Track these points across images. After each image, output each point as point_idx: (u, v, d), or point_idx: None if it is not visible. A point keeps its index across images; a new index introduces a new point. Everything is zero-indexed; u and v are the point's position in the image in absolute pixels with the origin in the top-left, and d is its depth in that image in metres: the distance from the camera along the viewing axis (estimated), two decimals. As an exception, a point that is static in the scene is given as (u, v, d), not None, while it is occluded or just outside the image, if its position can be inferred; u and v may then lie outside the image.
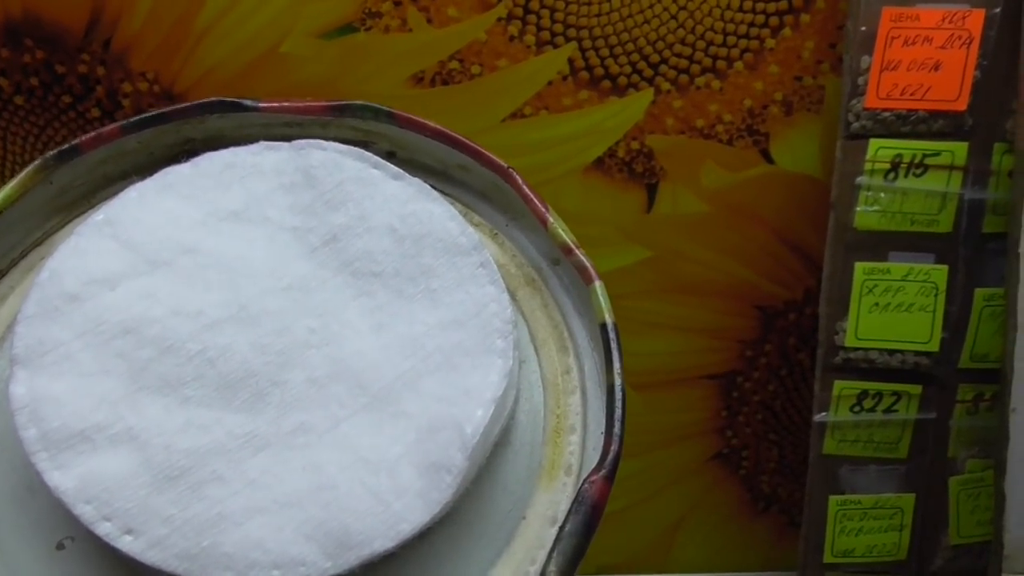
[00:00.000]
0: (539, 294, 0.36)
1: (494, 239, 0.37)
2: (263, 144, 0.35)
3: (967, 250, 0.48)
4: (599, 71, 0.49)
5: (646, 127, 0.50)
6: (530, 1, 0.47)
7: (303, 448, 0.30)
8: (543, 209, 0.35)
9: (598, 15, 0.47)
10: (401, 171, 0.34)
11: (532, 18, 0.47)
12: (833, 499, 0.51)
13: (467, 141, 0.36)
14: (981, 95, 0.46)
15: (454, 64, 0.48)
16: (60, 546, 0.31)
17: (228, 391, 0.31)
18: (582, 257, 0.34)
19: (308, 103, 0.36)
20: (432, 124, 0.36)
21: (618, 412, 0.31)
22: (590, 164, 0.50)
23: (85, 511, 0.29)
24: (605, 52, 0.48)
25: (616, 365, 0.32)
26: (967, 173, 0.47)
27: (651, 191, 0.51)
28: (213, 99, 0.36)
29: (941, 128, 0.47)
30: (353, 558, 0.29)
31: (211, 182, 0.34)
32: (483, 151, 0.36)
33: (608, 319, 0.33)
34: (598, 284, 0.33)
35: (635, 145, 0.50)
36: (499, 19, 0.47)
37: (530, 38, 0.48)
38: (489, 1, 0.47)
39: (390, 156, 0.37)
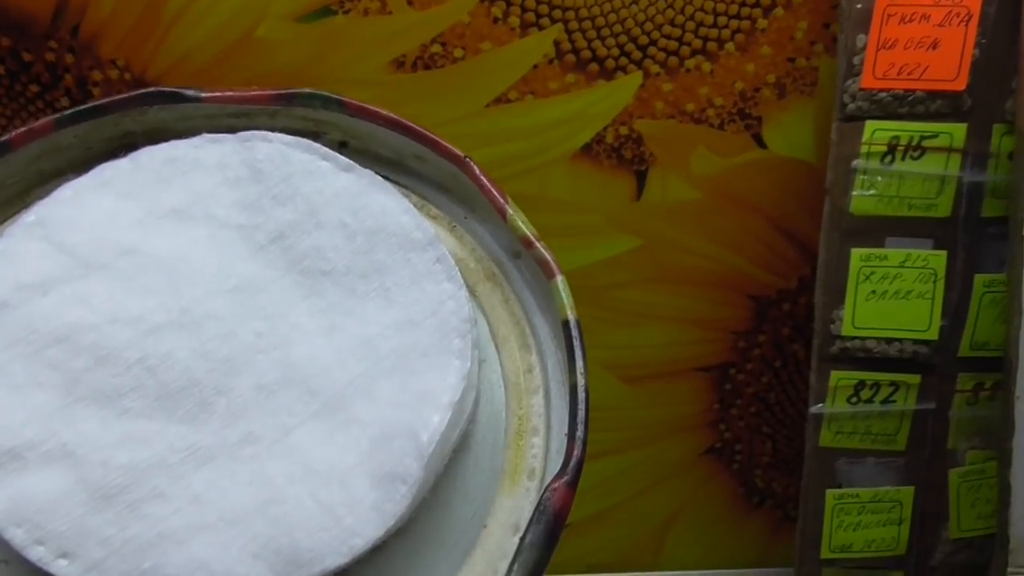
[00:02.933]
0: (500, 289, 0.35)
1: (452, 232, 0.36)
2: (206, 136, 0.34)
3: (966, 235, 0.47)
4: (586, 54, 0.48)
5: (635, 111, 0.49)
6: (514, -19, 0.46)
7: (250, 460, 0.29)
8: (502, 200, 0.34)
9: (584, -5, 0.47)
10: (352, 163, 0.33)
11: (516, -1, 0.47)
12: (830, 493, 0.50)
13: (421, 129, 0.35)
14: (980, 74, 0.46)
15: (436, 48, 0.47)
16: None
17: (169, 401, 0.29)
18: (543, 251, 0.33)
19: (254, 92, 0.35)
20: (384, 112, 0.35)
21: (581, 414, 0.30)
22: (578, 150, 0.50)
23: (16, 535, 0.28)
24: (592, 34, 0.48)
25: (579, 364, 0.31)
26: (966, 155, 0.47)
27: (640, 178, 0.51)
28: (152, 89, 0.35)
29: (939, 109, 0.46)
30: None
31: (151, 178, 0.33)
32: (439, 140, 0.35)
33: (571, 316, 0.32)
34: (560, 279, 0.32)
35: (624, 130, 0.49)
36: (482, 0, 0.46)
37: (514, 20, 0.47)
38: (471, -19, 0.46)
39: (342, 147, 0.36)
